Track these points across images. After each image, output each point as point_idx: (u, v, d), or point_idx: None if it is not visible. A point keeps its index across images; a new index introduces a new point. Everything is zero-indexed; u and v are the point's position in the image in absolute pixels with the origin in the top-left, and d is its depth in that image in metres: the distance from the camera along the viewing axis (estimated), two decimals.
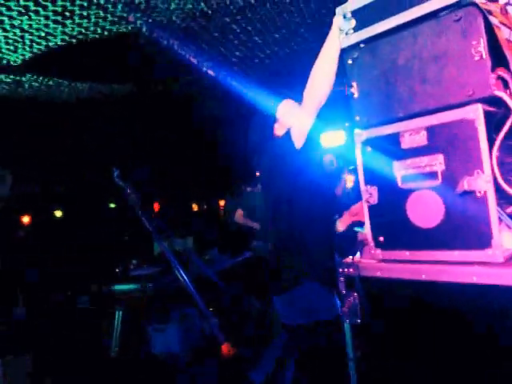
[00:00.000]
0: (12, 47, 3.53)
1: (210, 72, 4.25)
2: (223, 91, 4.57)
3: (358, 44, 1.54)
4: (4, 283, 4.89)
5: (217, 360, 3.07)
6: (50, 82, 4.50)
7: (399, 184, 1.42)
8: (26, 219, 6.71)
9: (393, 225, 1.44)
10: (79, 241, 6.03)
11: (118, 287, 3.53)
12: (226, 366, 3.01)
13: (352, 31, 1.54)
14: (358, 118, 1.55)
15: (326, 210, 2.03)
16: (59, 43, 3.56)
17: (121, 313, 3.44)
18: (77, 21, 3.21)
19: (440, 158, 1.32)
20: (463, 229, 1.28)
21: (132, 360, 3.48)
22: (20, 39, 3.40)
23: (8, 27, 3.15)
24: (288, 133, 1.91)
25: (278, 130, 2.01)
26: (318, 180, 2.01)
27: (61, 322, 4.36)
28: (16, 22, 3.10)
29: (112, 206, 8.00)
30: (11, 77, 4.18)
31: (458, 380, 1.27)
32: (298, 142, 1.86)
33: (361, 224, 2.01)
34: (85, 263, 5.19)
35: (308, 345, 1.91)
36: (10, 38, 3.36)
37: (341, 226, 2.15)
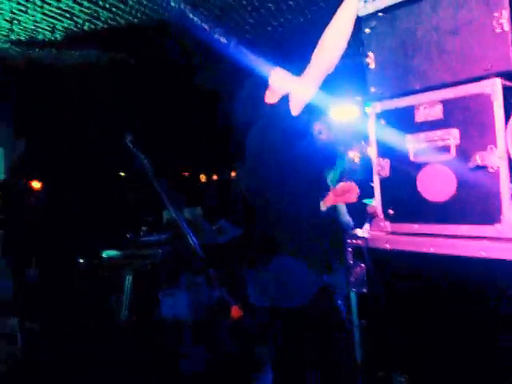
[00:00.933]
0: (23, 7, 3.49)
1: (222, 39, 4.18)
2: (235, 60, 4.50)
3: (376, 13, 1.51)
4: (17, 246, 5.02)
5: (224, 324, 3.18)
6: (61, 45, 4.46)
7: (411, 157, 1.42)
8: (36, 185, 6.78)
9: (403, 198, 1.45)
10: (89, 207, 6.12)
11: (128, 252, 3.62)
12: (234, 331, 3.12)
13: None
14: (373, 90, 1.54)
15: (314, 184, 1.90)
16: (70, 4, 3.50)
17: (131, 277, 3.53)
18: None
19: (454, 132, 1.32)
20: (473, 204, 1.28)
21: (141, 323, 3.60)
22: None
23: None
24: (284, 98, 1.80)
25: (270, 98, 1.89)
26: (310, 151, 1.90)
27: (71, 286, 4.48)
28: None
29: (121, 174, 8.02)
30: (22, 38, 4.15)
31: (459, 351, 1.31)
32: (296, 108, 1.75)
33: (347, 205, 1.94)
34: (95, 229, 5.28)
35: (273, 331, 1.80)
36: None
37: (323, 205, 1.97)
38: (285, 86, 1.85)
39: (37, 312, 3.79)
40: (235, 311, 1.61)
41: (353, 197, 1.95)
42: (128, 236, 3.87)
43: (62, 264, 4.87)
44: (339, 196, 1.99)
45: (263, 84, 1.91)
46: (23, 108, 5.62)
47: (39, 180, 6.37)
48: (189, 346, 3.34)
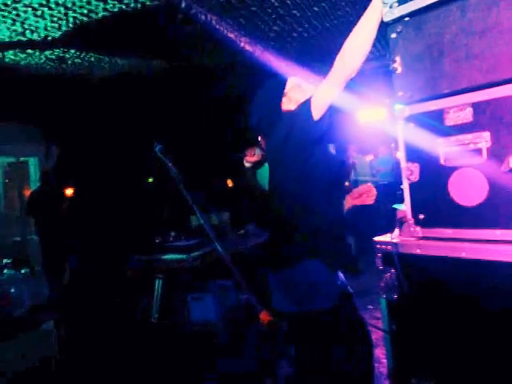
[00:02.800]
0: (56, 25, 3.63)
1: (248, 47, 4.23)
2: (260, 66, 4.54)
3: (402, 17, 1.50)
4: (50, 252, 5.20)
5: (252, 329, 3.19)
6: (92, 59, 4.61)
7: (442, 161, 1.41)
8: (69, 192, 7.00)
9: (434, 202, 1.44)
10: (119, 212, 6.28)
11: (157, 257, 3.69)
12: (262, 336, 3.13)
13: (396, 4, 1.50)
14: (400, 94, 1.53)
15: (336, 185, 1.89)
16: (100, 20, 3.63)
17: (161, 282, 3.59)
18: None
19: (485, 135, 1.30)
20: (507, 207, 1.26)
21: (171, 326, 3.67)
22: (64, 17, 3.49)
23: (53, 6, 3.25)
24: (305, 104, 1.79)
25: (286, 105, 1.92)
26: (330, 156, 1.91)
27: (103, 290, 4.60)
28: (61, 0, 3.18)
29: (150, 180, 8.19)
30: (55, 53, 4.32)
31: (492, 357, 1.28)
32: (318, 112, 1.73)
33: (362, 208, 1.94)
34: (125, 234, 5.41)
35: (296, 337, 1.74)
36: (55, 16, 3.46)
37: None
38: (301, 95, 1.87)
39: (71, 313, 3.92)
40: (264, 316, 1.62)
41: (370, 199, 1.95)
42: (157, 241, 3.95)
43: (93, 268, 5.02)
44: (356, 199, 2.01)
45: (280, 89, 1.94)
46: (56, 118, 5.83)
47: (72, 187, 6.57)
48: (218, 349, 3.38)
